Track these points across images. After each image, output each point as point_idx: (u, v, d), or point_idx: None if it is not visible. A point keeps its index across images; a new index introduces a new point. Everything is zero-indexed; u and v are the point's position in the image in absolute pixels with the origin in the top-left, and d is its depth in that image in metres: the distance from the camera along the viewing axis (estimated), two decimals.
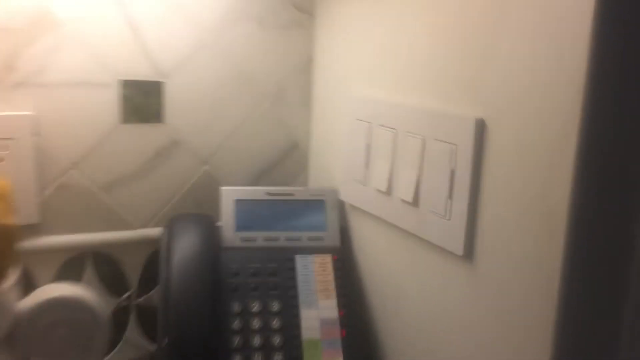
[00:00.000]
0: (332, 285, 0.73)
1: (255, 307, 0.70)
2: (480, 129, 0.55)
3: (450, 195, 0.58)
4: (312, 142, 0.89)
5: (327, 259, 0.75)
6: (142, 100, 0.77)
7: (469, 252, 0.57)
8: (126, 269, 0.80)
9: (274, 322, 0.70)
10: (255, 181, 0.86)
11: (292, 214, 0.77)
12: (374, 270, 0.74)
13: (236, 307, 0.70)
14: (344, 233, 0.78)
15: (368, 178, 0.72)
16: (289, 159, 0.88)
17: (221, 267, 0.72)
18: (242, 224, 0.76)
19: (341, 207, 0.80)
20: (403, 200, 0.65)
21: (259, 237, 0.75)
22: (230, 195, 0.76)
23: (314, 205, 0.78)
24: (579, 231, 0.47)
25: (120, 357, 0.80)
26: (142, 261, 0.80)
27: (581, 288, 0.48)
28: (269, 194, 0.77)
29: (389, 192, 0.68)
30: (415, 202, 0.63)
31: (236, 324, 0.69)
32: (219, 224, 0.75)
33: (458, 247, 0.58)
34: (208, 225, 0.73)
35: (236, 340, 0.68)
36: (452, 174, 0.58)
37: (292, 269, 0.74)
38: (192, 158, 0.81)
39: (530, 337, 0.50)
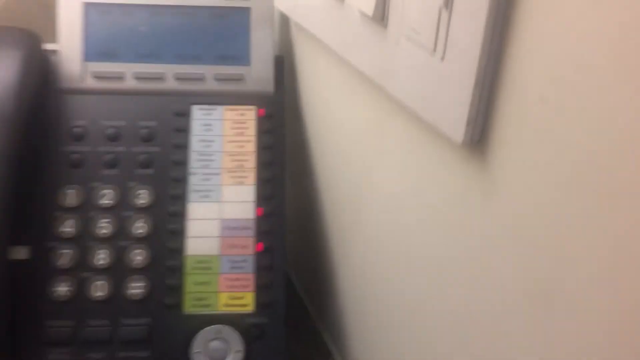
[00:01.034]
0: (252, 161, 0.42)
1: (107, 196, 0.40)
2: None
3: (447, 1, 0.24)
4: None
5: (249, 114, 0.43)
6: None
7: (480, 135, 0.24)
8: None
9: (137, 225, 0.40)
10: None
11: (190, 33, 0.44)
12: (328, 139, 0.42)
13: (71, 197, 0.40)
14: (282, 71, 0.45)
15: None
16: None
17: (54, 126, 0.41)
18: (97, 49, 0.43)
19: (282, 24, 0.46)
20: (362, 13, 0.31)
21: (128, 73, 0.43)
22: None
23: (231, 18, 0.44)
24: None
25: None
26: None
27: None
28: None
29: None
30: (379, 16, 0.29)
31: (67, 227, 0.39)
32: (54, 46, 0.43)
33: (457, 127, 0.25)
34: (23, 48, 0.40)
35: (63, 256, 0.39)
36: None
37: (184, 131, 0.42)
38: None
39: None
